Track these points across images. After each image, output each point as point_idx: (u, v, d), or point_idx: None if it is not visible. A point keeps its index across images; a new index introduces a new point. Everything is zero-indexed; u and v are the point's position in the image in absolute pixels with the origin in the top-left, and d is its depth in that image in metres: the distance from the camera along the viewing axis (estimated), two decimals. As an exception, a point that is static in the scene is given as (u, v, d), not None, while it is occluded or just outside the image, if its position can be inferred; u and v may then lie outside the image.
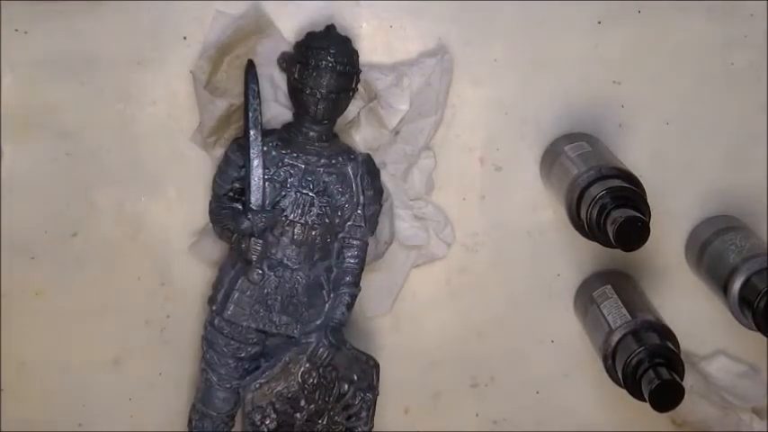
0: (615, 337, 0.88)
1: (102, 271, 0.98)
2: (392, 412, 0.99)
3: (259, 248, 0.90)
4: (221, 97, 0.92)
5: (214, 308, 0.92)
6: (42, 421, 1.00)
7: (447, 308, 1.00)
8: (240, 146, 0.91)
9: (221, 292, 0.92)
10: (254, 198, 0.90)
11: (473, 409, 1.02)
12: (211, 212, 0.92)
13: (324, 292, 0.92)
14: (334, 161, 0.91)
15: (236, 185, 0.92)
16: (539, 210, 0.98)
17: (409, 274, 0.99)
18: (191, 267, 0.98)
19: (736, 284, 0.87)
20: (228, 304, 0.91)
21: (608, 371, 0.89)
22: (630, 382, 0.86)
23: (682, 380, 0.84)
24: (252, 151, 0.90)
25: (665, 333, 0.88)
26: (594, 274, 0.98)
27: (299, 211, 0.90)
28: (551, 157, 0.94)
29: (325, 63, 0.89)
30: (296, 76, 0.90)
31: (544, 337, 1.00)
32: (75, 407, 1.00)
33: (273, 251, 0.91)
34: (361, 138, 0.94)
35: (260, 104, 0.90)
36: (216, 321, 0.92)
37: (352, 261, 0.93)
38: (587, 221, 0.84)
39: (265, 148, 0.90)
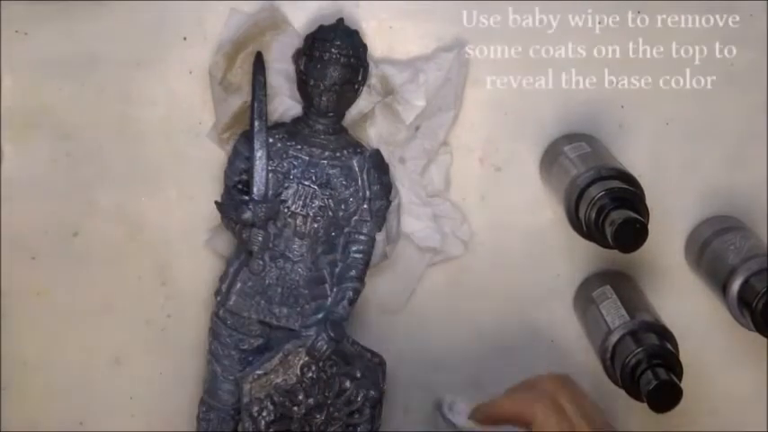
0: (614, 338, 0.88)
1: (103, 271, 0.98)
2: (392, 412, 0.99)
3: (260, 239, 0.90)
4: (235, 94, 0.93)
5: (218, 298, 0.93)
6: (43, 420, 1.00)
7: (447, 308, 1.00)
8: (247, 138, 0.91)
9: (225, 282, 0.93)
10: (257, 188, 0.90)
11: (473, 408, 1.02)
12: (220, 204, 0.92)
13: (326, 285, 0.92)
14: (338, 154, 0.91)
15: (245, 177, 0.92)
16: (538, 210, 0.97)
17: (424, 273, 0.98)
18: (191, 267, 0.98)
19: (735, 285, 0.87)
20: (230, 295, 0.92)
21: (606, 371, 0.89)
22: (629, 382, 0.86)
23: (680, 381, 0.84)
24: (256, 142, 0.90)
25: (664, 334, 0.88)
26: (594, 275, 0.98)
27: (301, 203, 0.91)
28: (551, 158, 0.94)
29: (329, 55, 0.89)
30: (302, 68, 0.90)
31: (544, 337, 1.00)
32: (77, 406, 1.01)
33: (276, 242, 0.91)
34: (376, 132, 0.94)
35: (266, 96, 0.91)
36: (220, 312, 0.93)
37: (357, 255, 0.92)
38: (586, 222, 0.84)
39: (271, 140, 0.91)
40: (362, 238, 0.92)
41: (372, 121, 0.94)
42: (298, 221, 0.91)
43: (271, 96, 0.92)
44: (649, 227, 0.82)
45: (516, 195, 0.98)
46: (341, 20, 0.91)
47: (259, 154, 0.90)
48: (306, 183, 0.91)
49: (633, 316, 0.90)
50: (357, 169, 0.91)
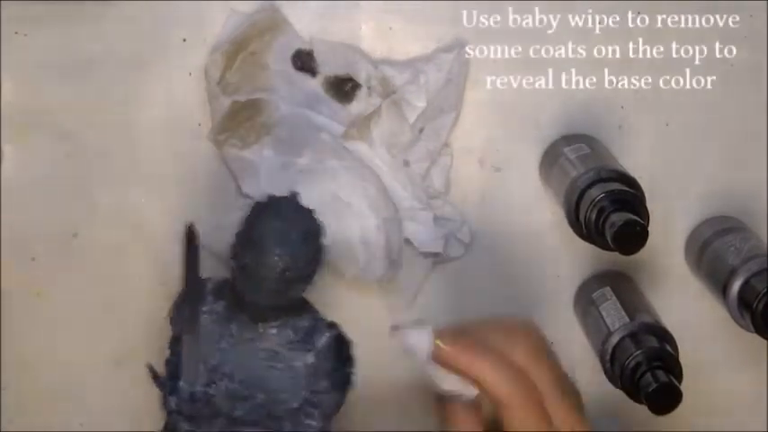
0: (613, 340, 0.88)
1: (103, 271, 0.98)
2: (392, 412, 1.00)
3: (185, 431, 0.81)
4: (231, 95, 0.92)
5: None
6: (43, 421, 1.00)
7: (447, 308, 1.00)
8: (179, 311, 0.82)
9: None
10: (185, 378, 0.79)
11: (473, 409, 1.02)
12: (153, 370, 0.82)
13: None
14: (279, 351, 0.79)
15: None
16: (538, 211, 0.97)
17: (428, 276, 0.99)
18: (191, 267, 0.98)
19: (735, 286, 0.86)
20: None
21: (606, 373, 0.89)
22: (629, 384, 0.86)
23: (680, 383, 0.84)
24: (185, 336, 0.80)
25: (664, 335, 0.88)
26: (594, 276, 0.98)
27: (229, 405, 0.79)
28: (551, 159, 0.94)
29: (260, 271, 0.74)
30: (237, 257, 0.77)
31: (544, 338, 1.00)
32: (76, 407, 1.01)
33: (206, 426, 0.80)
34: (379, 132, 0.93)
35: (198, 281, 0.81)
36: None
37: None
38: (586, 224, 0.84)
39: (205, 316, 0.80)
40: (313, 423, 0.80)
41: (377, 121, 0.93)
42: (227, 419, 0.80)
43: (268, 101, 0.91)
44: (649, 228, 0.82)
45: (516, 196, 0.98)
46: (285, 204, 0.76)
47: (188, 342, 0.79)
48: (235, 384, 0.79)
49: (633, 317, 0.90)
50: (303, 371, 0.79)
